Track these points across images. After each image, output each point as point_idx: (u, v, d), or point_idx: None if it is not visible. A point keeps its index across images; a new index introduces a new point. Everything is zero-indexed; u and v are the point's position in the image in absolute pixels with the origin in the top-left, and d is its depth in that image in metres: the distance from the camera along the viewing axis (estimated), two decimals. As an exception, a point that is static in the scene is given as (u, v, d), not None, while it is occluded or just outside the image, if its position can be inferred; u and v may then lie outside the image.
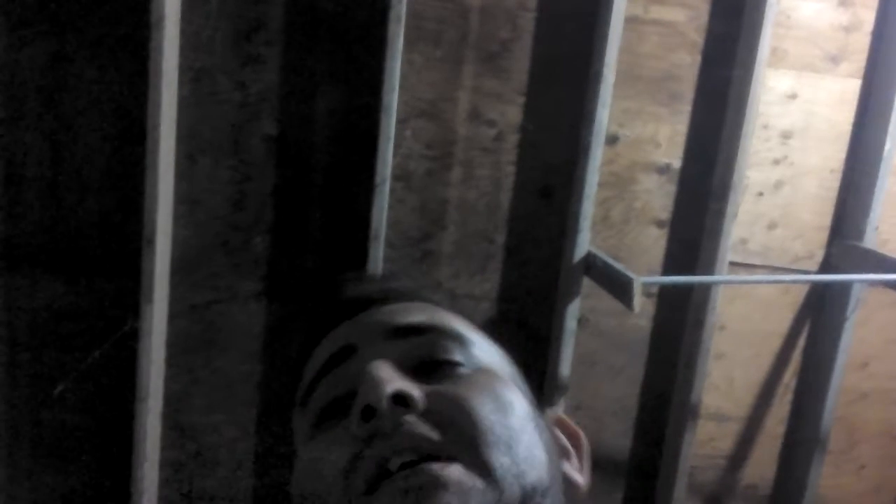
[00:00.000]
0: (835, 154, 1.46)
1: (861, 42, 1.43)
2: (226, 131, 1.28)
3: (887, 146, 1.41)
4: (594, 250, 1.36)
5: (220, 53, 1.25)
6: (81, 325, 1.29)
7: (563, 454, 0.55)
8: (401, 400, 0.44)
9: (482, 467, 0.42)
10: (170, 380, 1.32)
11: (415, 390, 0.44)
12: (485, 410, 0.44)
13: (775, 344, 1.53)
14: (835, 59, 1.43)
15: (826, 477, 1.55)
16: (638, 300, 1.18)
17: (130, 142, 1.24)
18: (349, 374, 0.49)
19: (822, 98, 1.44)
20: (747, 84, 1.34)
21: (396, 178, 1.33)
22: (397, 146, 1.31)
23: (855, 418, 1.58)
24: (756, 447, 1.56)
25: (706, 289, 1.40)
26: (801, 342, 1.53)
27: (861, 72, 1.44)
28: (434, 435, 0.43)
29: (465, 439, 0.43)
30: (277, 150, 1.29)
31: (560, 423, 0.58)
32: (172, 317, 1.30)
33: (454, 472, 0.41)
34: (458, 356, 0.50)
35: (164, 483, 1.35)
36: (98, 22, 1.22)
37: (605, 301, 1.34)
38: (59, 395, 1.31)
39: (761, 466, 1.57)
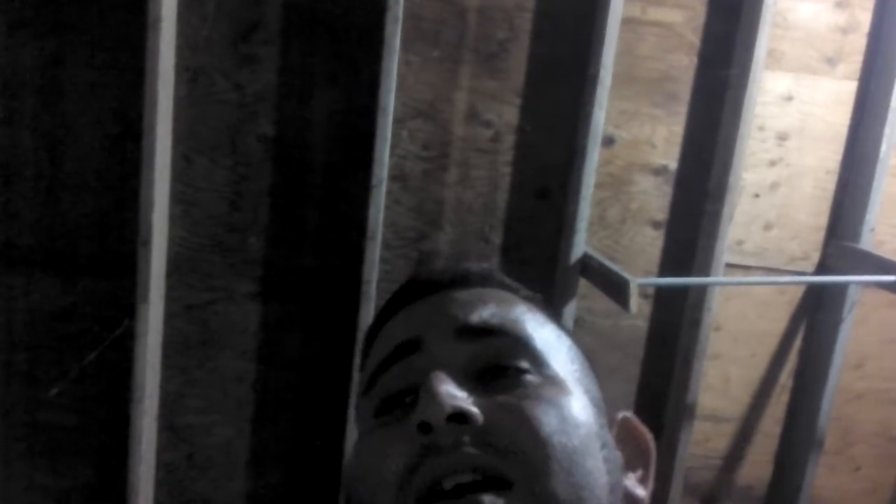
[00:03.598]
0: (831, 155, 1.47)
1: (858, 44, 1.43)
2: (223, 132, 1.27)
3: (883, 147, 1.41)
4: (590, 251, 1.36)
5: (218, 54, 1.25)
6: (77, 326, 1.29)
7: (628, 466, 0.52)
8: (460, 418, 0.43)
9: (538, 497, 0.41)
10: (165, 381, 1.32)
11: (474, 408, 0.44)
12: (548, 431, 0.43)
13: (771, 344, 1.53)
14: (831, 61, 1.43)
15: (821, 477, 1.55)
16: (634, 301, 1.18)
17: (127, 142, 1.24)
18: (414, 369, 0.48)
19: (818, 99, 1.44)
20: (744, 85, 1.34)
21: (393, 178, 1.33)
22: (394, 147, 1.31)
23: (850, 419, 1.58)
24: (752, 447, 1.56)
25: (702, 289, 1.40)
26: (798, 342, 1.53)
27: (858, 73, 1.44)
28: (492, 459, 0.42)
29: (525, 466, 0.42)
30: (274, 150, 1.29)
31: (627, 426, 0.56)
32: (168, 317, 1.30)
33: None
34: (525, 363, 0.49)
35: (158, 484, 1.35)
36: (95, 23, 1.21)
37: (601, 301, 1.35)
38: (55, 396, 1.30)
39: (757, 466, 1.57)
